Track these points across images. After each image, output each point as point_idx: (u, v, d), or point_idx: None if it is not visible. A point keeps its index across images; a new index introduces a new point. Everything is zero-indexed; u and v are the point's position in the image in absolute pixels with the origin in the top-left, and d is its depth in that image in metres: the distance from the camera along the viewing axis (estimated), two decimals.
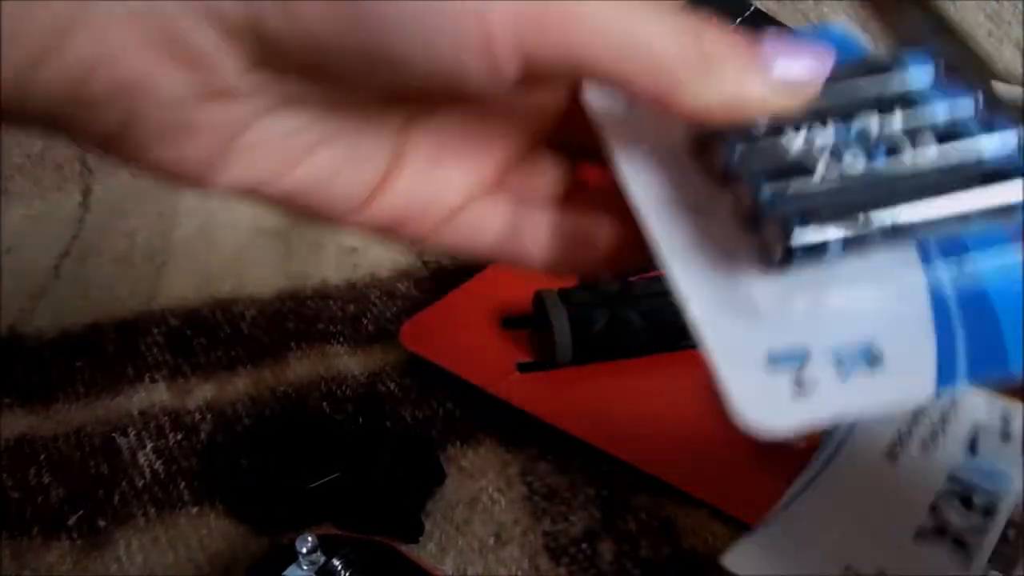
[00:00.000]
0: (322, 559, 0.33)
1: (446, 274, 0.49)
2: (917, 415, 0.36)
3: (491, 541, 0.39)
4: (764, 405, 0.20)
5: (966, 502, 0.34)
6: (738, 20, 0.54)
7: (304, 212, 0.23)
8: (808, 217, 0.20)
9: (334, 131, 0.23)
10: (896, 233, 0.21)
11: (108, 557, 0.38)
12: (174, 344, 0.46)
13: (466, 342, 0.44)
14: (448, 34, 0.19)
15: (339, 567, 0.33)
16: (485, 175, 0.25)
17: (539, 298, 0.44)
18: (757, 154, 0.22)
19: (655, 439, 0.41)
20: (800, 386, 0.20)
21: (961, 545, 0.33)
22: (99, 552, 0.38)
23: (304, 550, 0.32)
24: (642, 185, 0.23)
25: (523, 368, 0.43)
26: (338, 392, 0.44)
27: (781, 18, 0.53)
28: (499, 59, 0.19)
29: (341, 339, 0.46)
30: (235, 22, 0.19)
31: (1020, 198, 0.21)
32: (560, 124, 0.25)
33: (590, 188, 0.26)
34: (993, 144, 0.22)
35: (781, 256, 0.20)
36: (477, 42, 0.19)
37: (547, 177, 0.26)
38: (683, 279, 0.22)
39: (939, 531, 0.34)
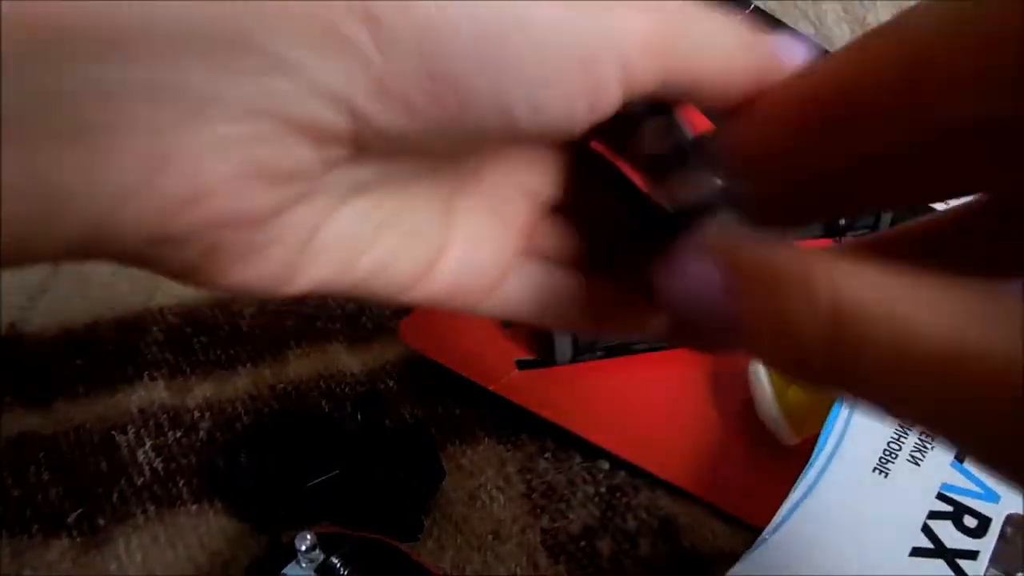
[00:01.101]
0: (321, 557, 0.33)
1: None
2: (903, 425, 0.36)
3: (490, 538, 0.39)
4: None
5: (958, 524, 0.34)
6: (738, 19, 0.54)
7: (362, 298, 0.22)
8: None
9: (394, 211, 0.21)
10: None
11: (108, 555, 0.38)
12: (173, 342, 0.46)
13: (465, 339, 0.44)
14: (556, 89, 0.19)
15: (338, 565, 0.33)
16: (518, 239, 0.24)
17: None
18: None
19: (654, 437, 0.41)
20: None
21: (957, 565, 0.33)
22: (99, 550, 0.38)
23: (303, 548, 0.32)
24: None
25: (522, 365, 0.44)
26: (337, 390, 0.44)
27: (781, 17, 0.53)
28: (602, 102, 0.19)
29: (340, 337, 0.46)
30: (336, 133, 0.17)
31: None
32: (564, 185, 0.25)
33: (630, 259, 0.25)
34: None
35: None
36: (584, 92, 0.19)
37: (571, 240, 0.26)
38: None
39: (934, 551, 0.33)
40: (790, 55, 0.21)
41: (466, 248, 0.23)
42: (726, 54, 0.21)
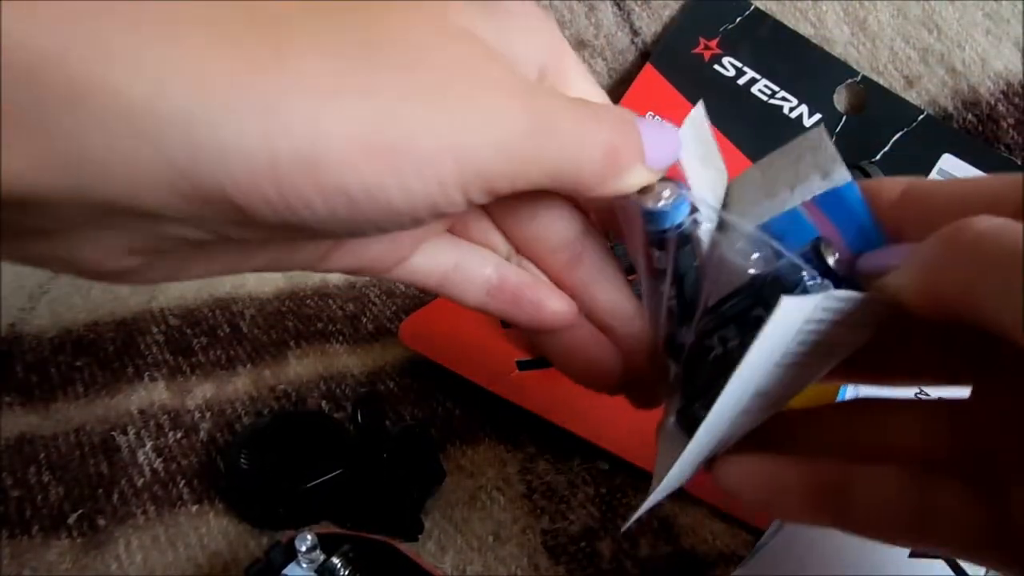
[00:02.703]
0: (321, 557, 0.33)
1: None
2: None
3: (490, 539, 0.39)
4: None
5: None
6: (738, 20, 0.54)
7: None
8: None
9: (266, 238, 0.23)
10: None
11: (108, 555, 0.38)
12: (174, 343, 0.46)
13: (465, 340, 0.44)
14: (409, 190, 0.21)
15: (338, 565, 0.33)
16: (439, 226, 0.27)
17: None
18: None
19: (655, 438, 0.41)
20: None
21: (957, 564, 0.33)
22: (99, 551, 0.38)
23: (303, 548, 0.32)
24: None
25: (523, 366, 0.44)
26: (338, 391, 0.44)
27: (781, 18, 0.53)
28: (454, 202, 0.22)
29: (341, 338, 0.46)
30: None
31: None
32: None
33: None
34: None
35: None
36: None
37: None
38: None
39: (933, 554, 0.33)
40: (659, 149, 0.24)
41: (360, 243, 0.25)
42: None
